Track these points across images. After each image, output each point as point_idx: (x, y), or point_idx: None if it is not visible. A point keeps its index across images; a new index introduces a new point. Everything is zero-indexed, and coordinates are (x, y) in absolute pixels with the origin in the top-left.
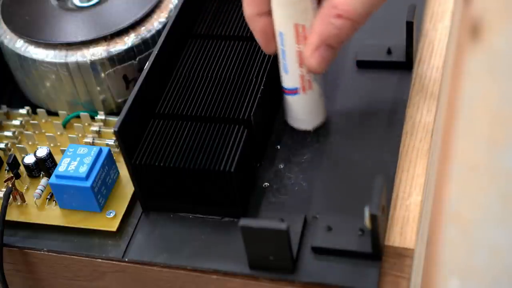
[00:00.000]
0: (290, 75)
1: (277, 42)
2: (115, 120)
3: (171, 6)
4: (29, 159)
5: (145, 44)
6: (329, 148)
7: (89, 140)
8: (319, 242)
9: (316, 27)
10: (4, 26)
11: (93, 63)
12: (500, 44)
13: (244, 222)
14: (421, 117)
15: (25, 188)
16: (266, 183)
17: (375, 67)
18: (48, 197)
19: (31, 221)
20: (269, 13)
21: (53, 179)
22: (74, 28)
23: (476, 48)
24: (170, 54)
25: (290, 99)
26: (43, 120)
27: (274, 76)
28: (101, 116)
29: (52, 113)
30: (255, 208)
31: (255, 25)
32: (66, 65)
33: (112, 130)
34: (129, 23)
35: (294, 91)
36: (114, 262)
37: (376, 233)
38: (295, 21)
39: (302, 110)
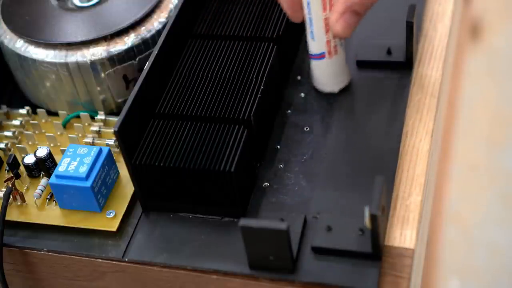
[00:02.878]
0: (317, 41)
1: (304, 11)
2: (115, 120)
3: (171, 6)
4: (29, 159)
5: (145, 44)
6: (329, 148)
7: (89, 140)
8: (319, 242)
9: None
10: (4, 26)
11: (93, 63)
12: (500, 44)
13: (244, 222)
14: (421, 117)
15: (25, 188)
16: (266, 183)
17: (375, 67)
18: (48, 197)
19: (31, 221)
20: None
21: (53, 179)
22: (74, 28)
23: (476, 48)
24: (170, 54)
25: (317, 64)
26: (43, 120)
27: (274, 76)
28: (101, 116)
29: (52, 113)
30: (255, 208)
31: None
32: (66, 65)
33: (112, 130)
34: (129, 23)
35: (321, 56)
36: (114, 262)
37: (376, 233)
38: None
39: (329, 74)
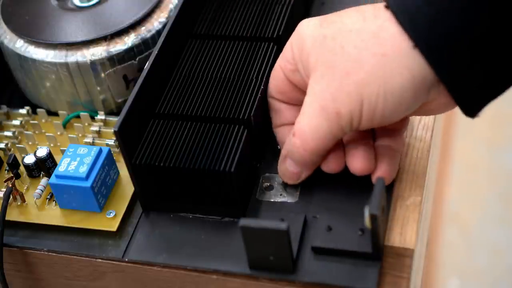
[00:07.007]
0: None
1: None
2: (115, 120)
3: (171, 6)
4: (29, 159)
5: (145, 44)
6: None
7: (89, 140)
8: (319, 242)
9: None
10: (4, 26)
11: (93, 63)
12: None
13: (244, 222)
14: (421, 117)
15: (25, 188)
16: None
17: None
18: (48, 197)
19: (31, 221)
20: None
21: (53, 179)
22: (74, 28)
23: None
24: (170, 54)
25: None
26: (43, 120)
27: None
28: (101, 116)
29: (52, 113)
30: (255, 208)
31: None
32: (66, 65)
33: (112, 130)
34: (129, 23)
35: None
36: (114, 262)
37: (376, 233)
38: None
39: None
